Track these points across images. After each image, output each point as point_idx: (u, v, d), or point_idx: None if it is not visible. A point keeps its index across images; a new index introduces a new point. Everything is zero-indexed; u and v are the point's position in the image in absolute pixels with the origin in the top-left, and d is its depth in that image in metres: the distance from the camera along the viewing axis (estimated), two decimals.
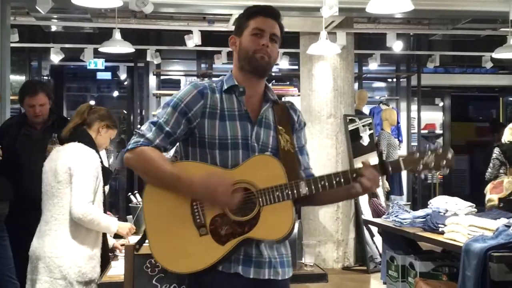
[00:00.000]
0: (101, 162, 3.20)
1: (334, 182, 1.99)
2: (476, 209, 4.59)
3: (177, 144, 2.14)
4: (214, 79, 2.21)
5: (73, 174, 3.01)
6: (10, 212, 3.88)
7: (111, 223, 3.13)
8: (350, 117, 7.17)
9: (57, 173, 3.05)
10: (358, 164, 6.90)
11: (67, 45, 8.44)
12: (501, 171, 6.46)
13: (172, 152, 2.60)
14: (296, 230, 3.67)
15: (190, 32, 7.43)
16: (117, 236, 3.37)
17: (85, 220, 2.99)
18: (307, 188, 1.98)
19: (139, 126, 10.01)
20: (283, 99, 8.89)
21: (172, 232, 1.98)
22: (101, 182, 3.14)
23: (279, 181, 1.97)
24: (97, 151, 3.18)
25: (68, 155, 3.07)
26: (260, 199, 1.96)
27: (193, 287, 2.03)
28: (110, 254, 3.36)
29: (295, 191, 1.97)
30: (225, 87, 2.10)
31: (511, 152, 6.49)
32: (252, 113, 2.10)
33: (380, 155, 1.96)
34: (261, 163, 2.01)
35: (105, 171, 3.23)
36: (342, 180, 1.99)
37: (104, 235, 3.27)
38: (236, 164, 2.01)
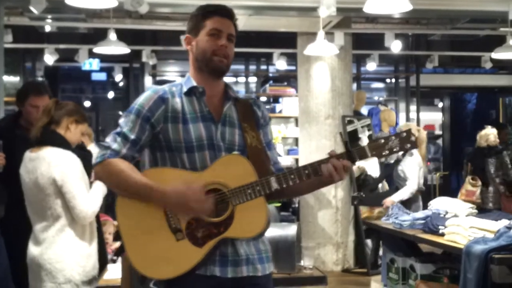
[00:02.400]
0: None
1: (304, 175, 2.00)
2: (476, 211, 4.57)
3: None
4: (174, 82, 2.18)
5: (63, 185, 2.94)
6: (6, 215, 3.82)
7: (101, 192, 3.10)
8: (348, 118, 7.14)
9: (42, 187, 2.96)
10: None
11: (61, 46, 8.39)
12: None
13: None
14: (294, 232, 3.63)
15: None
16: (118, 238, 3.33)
17: (92, 217, 3.01)
18: (277, 184, 1.99)
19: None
20: (280, 100, 8.87)
21: (149, 240, 1.98)
22: (86, 178, 3.09)
23: (249, 179, 1.99)
24: (73, 151, 3.09)
25: (47, 165, 2.96)
26: (233, 199, 1.97)
27: None
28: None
29: (266, 187, 1.98)
30: (185, 89, 2.09)
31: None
32: (215, 113, 2.09)
33: (345, 144, 1.95)
34: (230, 162, 2.02)
35: (86, 166, 3.14)
36: (311, 171, 2.01)
37: (100, 230, 3.22)
38: (205, 165, 2.02)
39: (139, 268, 1.98)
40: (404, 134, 2.04)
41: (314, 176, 2.01)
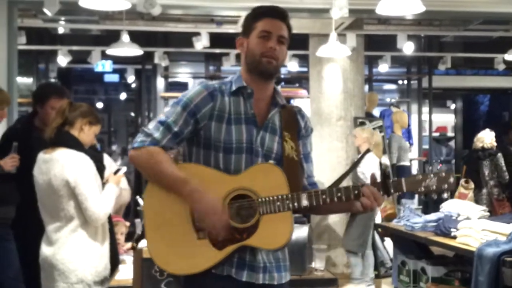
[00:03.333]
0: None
1: (335, 197, 1.99)
2: (488, 213, 4.55)
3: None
4: (225, 79, 2.17)
5: (76, 187, 2.96)
6: (20, 216, 3.86)
7: (113, 194, 3.12)
8: (360, 120, 7.13)
9: (55, 188, 2.99)
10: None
11: (74, 48, 8.47)
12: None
13: None
14: (306, 234, 3.64)
15: (198, 34, 7.43)
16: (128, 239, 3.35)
17: (105, 218, 3.03)
18: (307, 201, 1.98)
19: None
20: (292, 101, 8.87)
21: (170, 232, 1.99)
22: (99, 180, 3.12)
23: (281, 191, 1.98)
24: (86, 152, 3.12)
25: (61, 167, 2.99)
26: (261, 208, 1.97)
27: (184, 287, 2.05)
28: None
29: (295, 203, 1.98)
30: (234, 88, 2.09)
31: None
32: (259, 117, 2.09)
33: (384, 174, 1.92)
34: (264, 171, 2.02)
35: (99, 168, 3.18)
36: (344, 196, 1.99)
37: (112, 231, 3.25)
38: (239, 168, 2.02)
39: (154, 258, 2.00)
40: (443, 174, 2.03)
41: (346, 200, 2.00)
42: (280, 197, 1.96)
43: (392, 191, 2.01)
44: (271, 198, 1.96)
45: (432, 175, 2.02)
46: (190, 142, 2.08)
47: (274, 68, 2.07)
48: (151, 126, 2.05)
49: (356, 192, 1.99)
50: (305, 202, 1.97)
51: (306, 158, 2.20)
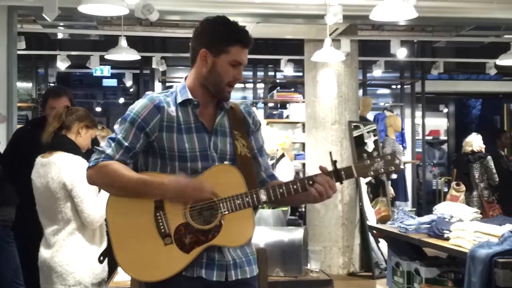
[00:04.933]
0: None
1: (292, 189, 2.06)
2: (481, 215, 4.60)
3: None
4: (168, 90, 2.19)
5: (72, 189, 2.98)
6: (21, 217, 3.88)
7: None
8: (354, 124, 7.17)
9: (53, 191, 3.01)
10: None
11: (73, 53, 8.48)
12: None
13: None
14: (301, 236, 3.68)
15: None
16: None
17: (100, 221, 3.04)
18: (266, 197, 2.04)
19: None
20: (287, 105, 8.92)
21: (137, 242, 2.01)
22: None
23: (239, 190, 2.03)
24: (83, 155, 3.13)
25: (58, 170, 3.01)
26: (222, 208, 2.01)
27: None
28: None
29: (255, 199, 2.03)
30: (179, 100, 2.10)
31: None
32: (208, 123, 2.12)
33: (334, 163, 1.96)
34: (221, 172, 2.06)
35: None
36: (299, 187, 2.06)
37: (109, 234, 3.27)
38: (195, 174, 2.04)
39: (126, 270, 2.02)
40: (389, 157, 2.11)
41: (302, 191, 2.06)
42: (239, 195, 2.02)
43: (344, 177, 2.08)
44: (231, 197, 2.01)
45: (379, 159, 2.09)
46: (145, 154, 2.10)
47: (229, 94, 2.14)
48: (103, 144, 2.07)
49: (310, 182, 2.06)
50: (263, 198, 2.04)
51: (260, 152, 2.25)
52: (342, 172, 2.08)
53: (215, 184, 2.02)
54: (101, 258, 2.17)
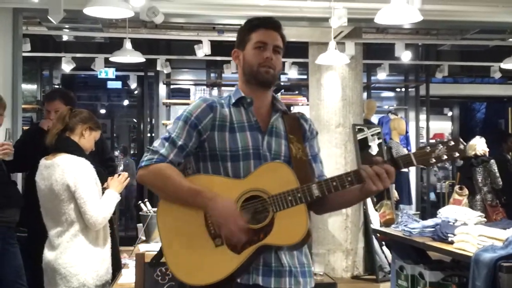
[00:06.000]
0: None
1: (346, 182, 1.95)
2: (485, 219, 4.58)
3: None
4: (223, 95, 2.20)
5: (75, 191, 2.99)
6: (25, 219, 3.90)
7: (113, 200, 3.15)
8: (358, 127, 7.17)
9: (57, 193, 3.02)
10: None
11: (78, 55, 8.51)
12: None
13: None
14: None
15: (200, 42, 7.48)
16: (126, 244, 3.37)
17: (103, 223, 3.06)
18: (318, 190, 1.95)
19: (148, 135, 10.06)
20: (292, 108, 8.93)
21: (187, 244, 1.98)
22: (99, 185, 3.15)
23: (290, 186, 1.96)
24: (86, 157, 3.15)
25: (61, 172, 3.02)
26: (273, 205, 1.95)
27: None
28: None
29: (307, 194, 1.95)
30: (233, 100, 2.11)
31: None
32: (262, 123, 2.11)
33: (389, 150, 1.90)
34: (272, 170, 2.00)
35: (99, 173, 3.23)
36: (354, 179, 1.95)
37: (114, 235, 3.28)
38: (249, 174, 2.02)
39: (176, 273, 1.98)
40: (452, 142, 1.95)
41: (357, 183, 1.95)
42: (290, 191, 1.94)
43: (402, 165, 1.94)
44: (282, 194, 1.94)
45: (440, 145, 1.94)
46: (196, 158, 2.09)
47: (272, 76, 2.10)
48: (156, 144, 2.07)
49: (365, 171, 1.93)
50: (316, 192, 1.94)
51: (314, 159, 2.20)
52: (400, 160, 1.94)
53: (266, 181, 1.97)
54: (154, 261, 2.15)
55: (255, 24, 2.12)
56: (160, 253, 2.07)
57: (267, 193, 1.96)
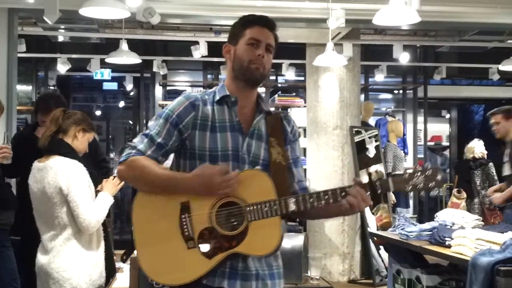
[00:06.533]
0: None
1: (323, 200, 1.98)
2: (483, 223, 4.57)
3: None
4: (208, 90, 2.19)
5: (68, 194, 2.97)
6: (19, 223, 3.87)
7: (106, 203, 3.12)
8: (356, 129, 7.16)
9: (49, 196, 2.99)
10: (363, 175, 6.90)
11: (74, 56, 8.50)
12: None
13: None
14: (302, 242, 3.66)
15: (196, 43, 7.47)
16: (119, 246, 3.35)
17: (96, 226, 3.03)
18: (295, 206, 1.97)
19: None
20: (289, 110, 8.92)
21: (160, 243, 1.98)
22: (92, 187, 3.13)
23: (268, 197, 1.97)
24: (79, 159, 3.13)
25: (54, 174, 3.00)
26: (249, 214, 1.95)
27: None
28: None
29: (283, 208, 1.96)
30: (217, 97, 2.09)
31: None
32: (244, 124, 2.09)
33: (369, 175, 1.92)
34: (251, 178, 2.00)
35: (93, 175, 3.20)
36: (331, 198, 1.98)
37: (108, 239, 3.25)
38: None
39: (145, 270, 1.99)
40: (430, 172, 2.01)
41: (334, 202, 1.99)
42: (267, 203, 1.95)
43: (379, 190, 2.00)
44: (258, 204, 1.95)
45: (419, 173, 2.00)
46: (177, 155, 2.09)
47: (261, 75, 2.08)
48: (135, 139, 2.08)
49: (343, 193, 1.98)
50: (292, 207, 1.96)
51: (295, 162, 2.19)
52: (378, 184, 2.01)
53: (244, 189, 1.97)
54: (124, 257, 2.16)
55: (250, 20, 2.11)
56: (131, 249, 2.08)
57: (244, 201, 1.97)
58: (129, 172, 2.03)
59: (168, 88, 10.23)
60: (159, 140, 2.03)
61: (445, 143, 12.03)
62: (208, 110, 2.07)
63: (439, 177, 2.00)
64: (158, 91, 10.06)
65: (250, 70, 2.06)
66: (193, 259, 1.95)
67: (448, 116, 12.42)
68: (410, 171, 2.02)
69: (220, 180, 1.92)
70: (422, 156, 10.65)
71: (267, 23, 2.11)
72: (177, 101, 2.09)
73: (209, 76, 10.28)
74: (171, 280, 1.97)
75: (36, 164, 3.12)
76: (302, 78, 9.11)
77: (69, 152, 3.11)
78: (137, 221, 2.01)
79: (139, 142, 2.05)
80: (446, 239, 4.20)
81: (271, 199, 1.96)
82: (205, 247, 1.96)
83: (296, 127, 2.24)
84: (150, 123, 2.09)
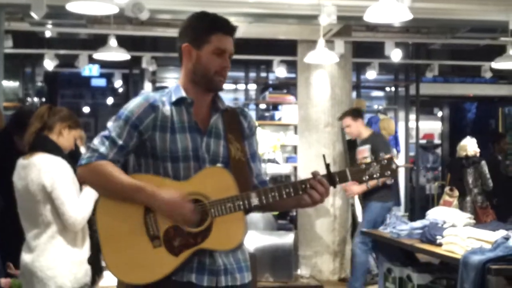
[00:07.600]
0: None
1: (284, 193, 2.03)
2: (474, 221, 4.57)
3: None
4: (164, 90, 2.19)
5: (52, 191, 2.93)
6: (2, 221, 3.81)
7: (91, 198, 3.05)
8: None
9: (33, 193, 2.95)
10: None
11: (61, 51, 8.42)
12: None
13: None
14: (292, 241, 3.63)
15: None
16: None
17: (83, 223, 2.99)
18: (257, 199, 2.02)
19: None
20: (279, 107, 8.89)
21: (126, 244, 2.01)
22: (77, 184, 3.08)
23: (230, 193, 2.01)
24: (64, 156, 3.08)
25: (38, 171, 2.96)
26: (212, 211, 1.99)
27: None
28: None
29: (246, 202, 2.01)
30: (173, 99, 2.09)
31: None
32: (202, 124, 2.10)
33: (327, 166, 1.91)
34: (212, 175, 2.04)
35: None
36: (292, 191, 2.03)
37: (95, 237, 3.20)
38: (188, 176, 2.04)
39: (112, 271, 2.01)
40: (385, 161, 2.08)
41: (295, 195, 2.04)
42: (230, 198, 1.99)
43: (337, 181, 2.06)
44: (221, 200, 1.99)
45: (375, 163, 2.08)
46: (138, 154, 2.10)
47: (222, 85, 2.11)
48: (96, 141, 2.06)
49: (303, 186, 2.04)
50: (255, 201, 2.01)
51: (253, 157, 2.22)
52: (336, 176, 2.06)
53: (206, 186, 2.01)
54: (90, 260, 2.13)
55: (215, 26, 2.08)
56: (96, 252, 2.11)
57: (207, 198, 2.00)
58: (93, 177, 2.05)
59: (157, 84, 10.18)
60: (120, 142, 2.04)
61: (437, 141, 12.07)
62: (168, 111, 2.07)
63: (393, 166, 2.08)
64: (148, 87, 10.00)
65: (214, 82, 2.08)
66: (160, 257, 1.99)
67: (440, 114, 12.44)
68: (368, 163, 2.09)
69: (189, 218, 1.97)
70: (414, 154, 10.65)
71: (231, 31, 2.11)
72: (137, 102, 2.07)
73: None
74: (140, 279, 2.00)
75: (20, 161, 3.08)
76: (293, 75, 9.07)
77: (53, 149, 3.07)
78: (102, 223, 2.04)
79: (100, 144, 2.05)
80: (437, 237, 4.22)
81: (234, 195, 2.00)
82: (170, 245, 1.98)
83: (253, 122, 2.27)
84: (109, 124, 2.08)
